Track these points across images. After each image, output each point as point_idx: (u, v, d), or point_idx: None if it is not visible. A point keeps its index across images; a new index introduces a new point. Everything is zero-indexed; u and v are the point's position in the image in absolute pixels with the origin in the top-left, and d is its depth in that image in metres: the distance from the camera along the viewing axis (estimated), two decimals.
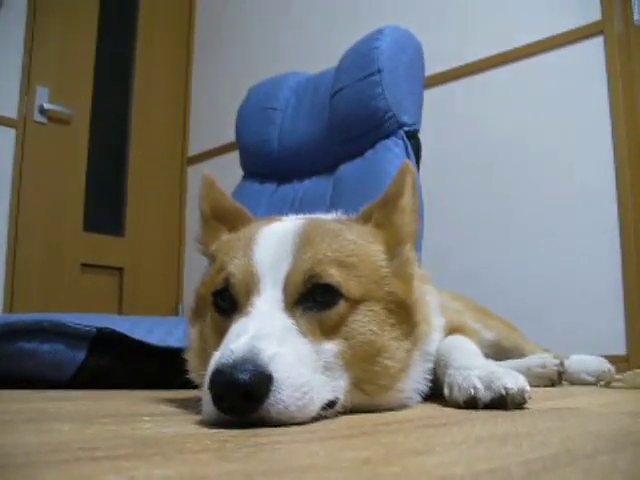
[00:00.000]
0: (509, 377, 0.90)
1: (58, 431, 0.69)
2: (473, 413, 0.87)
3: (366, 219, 1.02)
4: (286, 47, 3.76)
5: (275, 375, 0.73)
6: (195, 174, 4.22)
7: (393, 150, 2.06)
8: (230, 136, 2.79)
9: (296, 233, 0.91)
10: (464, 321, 1.33)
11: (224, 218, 1.08)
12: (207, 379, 0.74)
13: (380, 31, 2.18)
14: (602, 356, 1.70)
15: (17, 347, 1.59)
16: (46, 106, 3.60)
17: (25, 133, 3.56)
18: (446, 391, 0.97)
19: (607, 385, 1.50)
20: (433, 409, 0.95)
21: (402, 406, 0.95)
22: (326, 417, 0.81)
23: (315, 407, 0.78)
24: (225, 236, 1.05)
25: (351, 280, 0.89)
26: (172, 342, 1.61)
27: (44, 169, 3.64)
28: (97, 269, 3.80)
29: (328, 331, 0.85)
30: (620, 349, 2.39)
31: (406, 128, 2.10)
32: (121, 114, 4.07)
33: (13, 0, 3.53)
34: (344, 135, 2.19)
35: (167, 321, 1.99)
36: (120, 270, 3.91)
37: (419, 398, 0.99)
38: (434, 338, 1.06)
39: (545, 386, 1.46)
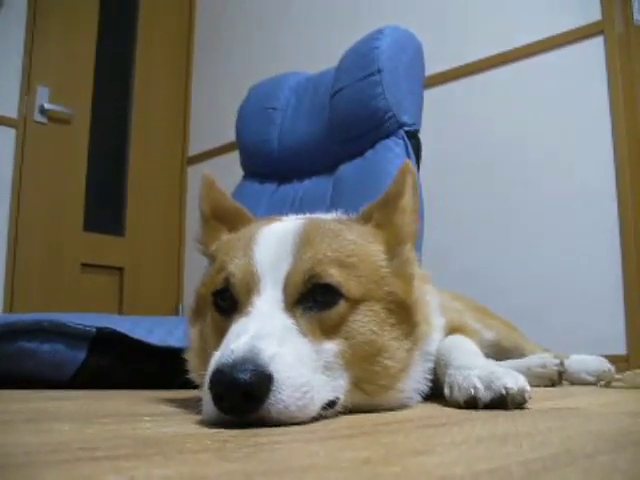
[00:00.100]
0: (509, 377, 0.90)
1: (58, 431, 0.69)
2: (473, 413, 0.87)
3: (366, 219, 1.02)
4: (286, 47, 3.76)
5: (275, 375, 0.73)
6: (195, 174, 4.22)
7: (393, 150, 2.06)
8: (230, 136, 2.79)
9: (296, 233, 0.91)
10: (464, 321, 1.33)
11: (224, 218, 1.08)
12: (207, 379, 0.74)
13: (380, 31, 2.18)
14: (602, 356, 1.70)
15: (17, 347, 1.59)
16: (46, 106, 3.60)
17: (25, 133, 3.56)
18: (446, 391, 0.97)
19: (607, 385, 1.50)
20: (433, 409, 0.95)
21: (402, 406, 0.95)
22: (326, 417, 0.81)
23: (315, 407, 0.78)
24: (225, 236, 1.05)
25: (351, 280, 0.89)
26: (172, 342, 1.61)
27: (44, 169, 3.64)
28: (97, 269, 3.80)
29: (328, 331, 0.85)
30: (620, 349, 2.39)
31: (406, 128, 2.10)
32: (121, 114, 4.07)
33: (13, 0, 3.53)
34: (344, 135, 2.19)
35: (167, 321, 1.99)
36: (120, 270, 3.91)
37: (419, 398, 0.99)
38: (434, 338, 1.06)
39: (545, 386, 1.46)
